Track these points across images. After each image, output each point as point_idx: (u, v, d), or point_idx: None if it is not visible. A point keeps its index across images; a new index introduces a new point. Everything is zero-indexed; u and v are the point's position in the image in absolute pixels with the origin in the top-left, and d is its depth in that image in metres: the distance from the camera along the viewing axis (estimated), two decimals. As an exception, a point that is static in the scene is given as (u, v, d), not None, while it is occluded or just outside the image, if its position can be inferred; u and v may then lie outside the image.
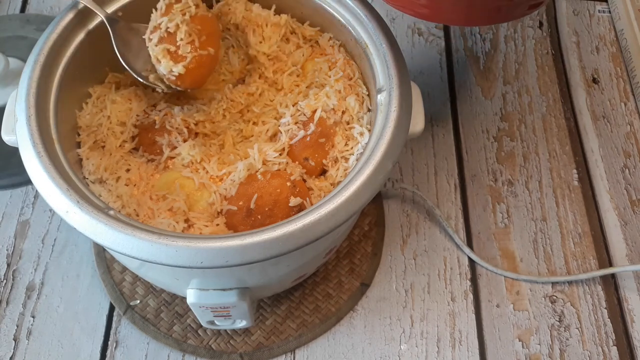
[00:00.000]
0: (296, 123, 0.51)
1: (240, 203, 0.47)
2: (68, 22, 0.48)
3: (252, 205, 0.47)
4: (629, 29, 0.77)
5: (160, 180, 0.49)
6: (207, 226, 0.47)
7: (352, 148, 0.50)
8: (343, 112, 0.51)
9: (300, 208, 0.47)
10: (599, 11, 0.82)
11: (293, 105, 0.52)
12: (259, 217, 0.47)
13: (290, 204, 0.47)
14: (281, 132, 0.51)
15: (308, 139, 0.50)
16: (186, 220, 0.47)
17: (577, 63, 0.77)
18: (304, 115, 0.51)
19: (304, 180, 0.50)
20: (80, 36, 0.49)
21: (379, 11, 0.50)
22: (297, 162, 0.50)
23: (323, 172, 0.51)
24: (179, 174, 0.49)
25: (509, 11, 0.44)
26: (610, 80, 0.76)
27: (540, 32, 0.80)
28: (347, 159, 0.50)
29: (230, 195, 0.48)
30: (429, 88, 0.74)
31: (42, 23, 0.75)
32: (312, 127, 0.50)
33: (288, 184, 0.48)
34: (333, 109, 0.51)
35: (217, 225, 0.47)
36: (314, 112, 0.51)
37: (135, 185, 0.49)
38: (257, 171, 0.49)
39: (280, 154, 0.50)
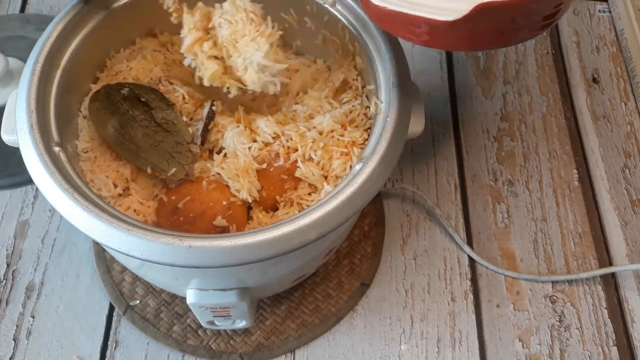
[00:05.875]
0: (267, 146, 0.49)
1: (173, 198, 0.48)
2: (68, 21, 0.48)
3: (180, 205, 0.47)
4: (629, 28, 0.77)
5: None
6: (141, 203, 0.48)
7: (312, 201, 0.48)
8: (323, 168, 0.49)
9: (222, 230, 0.47)
10: (599, 11, 0.82)
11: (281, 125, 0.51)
12: (181, 219, 0.47)
13: (214, 222, 0.46)
14: (257, 141, 0.50)
15: (272, 169, 0.49)
16: (125, 189, 0.49)
17: (577, 63, 0.77)
18: (283, 146, 0.49)
19: (250, 207, 0.49)
20: (80, 35, 0.49)
21: (379, 11, 0.50)
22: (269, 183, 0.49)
23: (275, 207, 0.50)
24: None
25: (513, 35, 0.43)
26: (610, 80, 0.76)
27: (540, 32, 0.80)
28: (302, 207, 0.48)
29: (173, 186, 0.48)
30: (429, 88, 0.74)
31: (41, 23, 0.75)
32: (281, 161, 0.49)
33: (224, 202, 0.47)
34: (315, 161, 0.49)
35: (148, 207, 0.48)
36: (294, 151, 0.49)
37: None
38: (210, 176, 0.49)
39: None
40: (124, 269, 0.60)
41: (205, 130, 0.50)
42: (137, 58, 0.54)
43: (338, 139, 0.49)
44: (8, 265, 0.61)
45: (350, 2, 0.51)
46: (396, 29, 0.43)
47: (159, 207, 0.49)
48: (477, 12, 0.36)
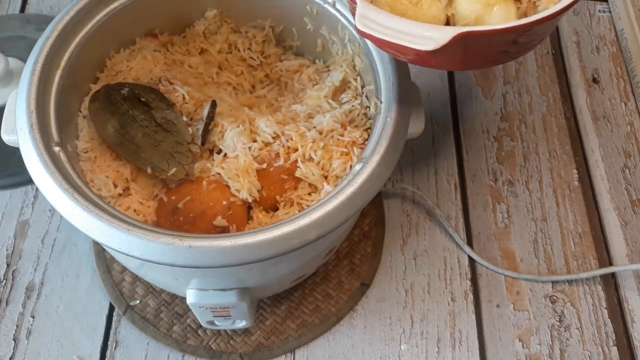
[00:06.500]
0: (267, 146, 0.49)
1: (173, 198, 0.48)
2: (68, 21, 0.48)
3: (180, 205, 0.47)
4: (629, 28, 0.77)
5: None
6: (141, 203, 0.48)
7: (312, 201, 0.48)
8: (323, 168, 0.49)
9: (222, 230, 0.47)
10: (599, 11, 0.82)
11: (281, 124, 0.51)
12: (181, 219, 0.47)
13: (214, 222, 0.46)
14: (257, 141, 0.50)
15: (272, 169, 0.49)
16: (125, 189, 0.49)
17: (577, 63, 0.77)
18: (283, 146, 0.49)
19: (250, 207, 0.49)
20: (80, 35, 0.49)
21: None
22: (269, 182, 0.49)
23: (275, 207, 0.50)
24: None
25: (500, 57, 0.44)
26: (610, 80, 0.76)
27: (540, 32, 0.80)
28: (302, 207, 0.48)
29: (173, 186, 0.48)
30: (429, 88, 0.74)
31: (41, 23, 0.75)
32: (281, 161, 0.49)
33: (224, 202, 0.47)
34: (315, 161, 0.49)
35: (148, 207, 0.48)
36: (294, 150, 0.49)
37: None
38: (210, 175, 0.49)
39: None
40: (124, 269, 0.60)
41: (206, 131, 0.50)
42: (137, 58, 0.54)
43: (338, 139, 0.49)
44: (8, 265, 0.61)
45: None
46: (387, 51, 0.44)
47: (159, 207, 0.49)
48: (457, 41, 0.36)
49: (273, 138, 0.50)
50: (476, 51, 0.40)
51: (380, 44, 0.40)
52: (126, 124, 0.49)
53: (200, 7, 0.57)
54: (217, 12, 0.57)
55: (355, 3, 0.40)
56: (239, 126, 0.50)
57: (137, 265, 0.49)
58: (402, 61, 0.48)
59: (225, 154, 0.50)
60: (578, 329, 0.59)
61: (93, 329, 0.58)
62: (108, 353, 0.57)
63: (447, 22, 0.44)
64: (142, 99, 0.50)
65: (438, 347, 0.58)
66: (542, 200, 0.67)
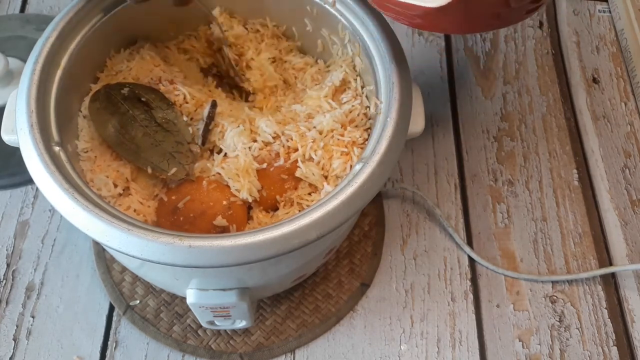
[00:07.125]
0: (267, 146, 0.49)
1: (173, 198, 0.48)
2: (68, 21, 0.48)
3: (180, 205, 0.47)
4: (629, 28, 0.77)
5: None
6: (141, 203, 0.48)
7: (312, 201, 0.48)
8: (323, 168, 0.49)
9: (222, 230, 0.47)
10: (599, 11, 0.82)
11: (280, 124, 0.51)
12: (181, 219, 0.47)
13: (214, 222, 0.46)
14: (257, 141, 0.50)
15: (272, 169, 0.49)
16: (125, 189, 0.48)
17: (577, 63, 0.77)
18: (283, 146, 0.49)
19: (250, 207, 0.49)
20: (80, 35, 0.49)
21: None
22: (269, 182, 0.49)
23: (275, 207, 0.50)
24: None
25: (507, 18, 0.45)
26: (610, 80, 0.76)
27: (540, 32, 0.80)
28: (302, 207, 0.48)
29: (174, 186, 0.48)
30: (429, 88, 0.74)
31: (41, 23, 0.75)
32: (281, 161, 0.49)
33: (224, 202, 0.47)
34: (315, 161, 0.49)
35: (149, 207, 0.48)
36: (294, 150, 0.49)
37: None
38: (210, 175, 0.48)
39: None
40: (124, 269, 0.60)
41: (206, 131, 0.50)
42: (137, 58, 0.54)
43: (338, 139, 0.49)
44: (8, 265, 0.61)
45: (351, 2, 0.51)
46: (390, 13, 0.45)
47: (159, 207, 0.49)
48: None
49: (273, 138, 0.50)
50: (475, 11, 0.42)
51: (386, 5, 0.41)
52: (126, 123, 0.49)
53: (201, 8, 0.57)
54: (221, 10, 0.57)
55: None
56: (239, 126, 0.50)
57: (137, 265, 0.49)
58: (403, 61, 0.48)
59: (226, 153, 0.50)
60: (578, 329, 0.59)
61: (93, 329, 0.58)
62: (108, 353, 0.57)
63: None
64: (143, 99, 0.50)
65: (438, 347, 0.58)
66: (542, 200, 0.67)
